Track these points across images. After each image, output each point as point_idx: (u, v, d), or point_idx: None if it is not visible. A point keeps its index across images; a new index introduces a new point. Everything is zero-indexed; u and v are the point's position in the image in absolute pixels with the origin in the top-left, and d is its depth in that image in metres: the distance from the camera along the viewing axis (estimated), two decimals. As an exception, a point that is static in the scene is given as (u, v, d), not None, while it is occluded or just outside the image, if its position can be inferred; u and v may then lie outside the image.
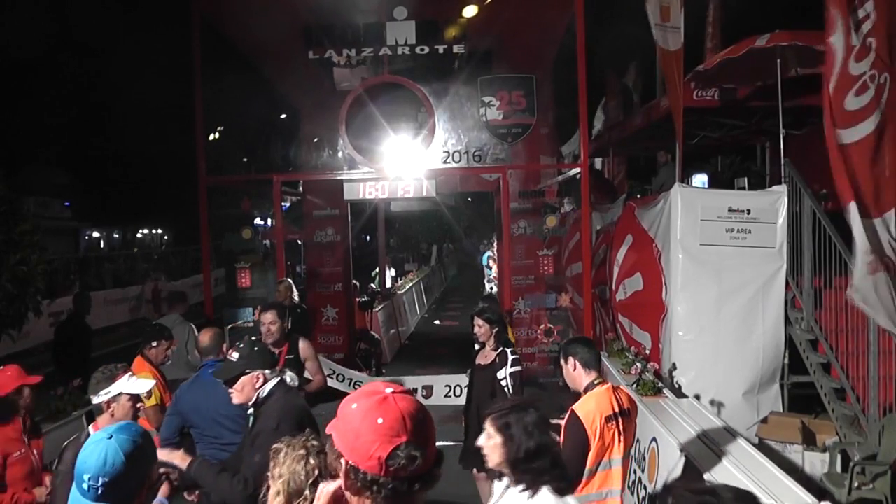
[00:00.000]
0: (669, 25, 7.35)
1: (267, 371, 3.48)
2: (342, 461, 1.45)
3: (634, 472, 5.30)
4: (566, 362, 3.78)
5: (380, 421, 1.45)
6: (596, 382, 3.69)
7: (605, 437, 3.52)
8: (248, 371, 3.44)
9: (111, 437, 2.01)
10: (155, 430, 4.75)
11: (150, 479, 2.14)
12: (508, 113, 8.67)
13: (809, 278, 6.46)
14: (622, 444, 3.58)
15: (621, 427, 3.57)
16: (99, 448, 1.98)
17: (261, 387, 3.45)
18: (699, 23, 9.60)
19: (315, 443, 2.35)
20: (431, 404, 6.58)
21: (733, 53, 7.00)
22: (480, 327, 5.40)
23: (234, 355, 3.49)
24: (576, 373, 3.73)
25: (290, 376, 3.75)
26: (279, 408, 3.37)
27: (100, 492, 1.95)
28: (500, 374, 5.24)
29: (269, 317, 5.45)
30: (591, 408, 3.55)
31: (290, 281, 8.53)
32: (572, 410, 3.58)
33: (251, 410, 3.50)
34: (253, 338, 3.77)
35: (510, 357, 5.29)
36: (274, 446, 2.43)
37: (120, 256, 27.87)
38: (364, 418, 1.46)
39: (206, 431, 4.22)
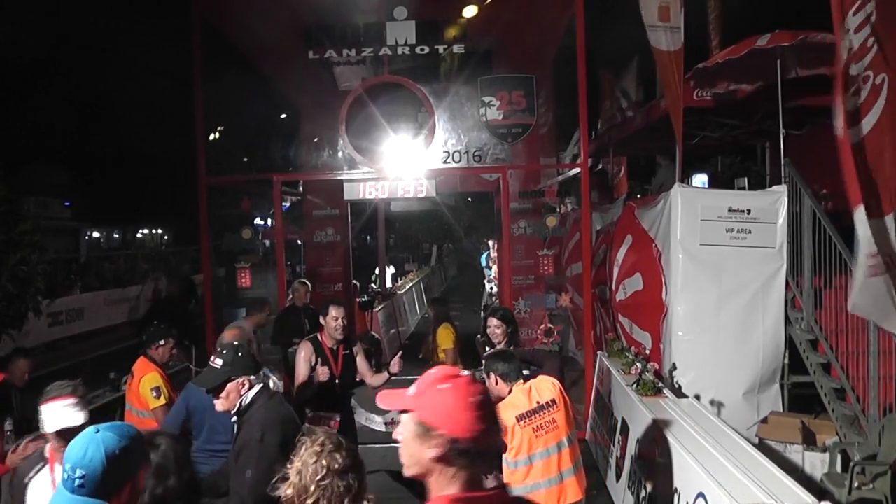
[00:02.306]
0: (669, 25, 7.34)
1: (252, 376, 3.38)
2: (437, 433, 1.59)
3: (635, 472, 5.30)
4: (488, 378, 4.09)
5: (473, 398, 1.64)
6: (515, 389, 4.01)
7: (520, 437, 3.85)
8: (233, 378, 3.35)
9: (98, 431, 2.04)
10: None
11: (138, 483, 2.11)
12: (508, 113, 8.66)
13: (809, 278, 6.46)
14: (545, 437, 3.86)
15: (542, 420, 3.87)
16: (83, 441, 2.02)
17: (245, 392, 3.36)
18: (701, 21, 9.59)
19: (330, 444, 2.30)
20: None
21: (734, 53, 7.00)
22: (497, 328, 5.26)
23: (218, 362, 3.38)
24: (497, 387, 4.05)
25: (273, 381, 3.66)
26: (262, 417, 3.27)
27: (76, 483, 1.96)
28: None
29: (340, 312, 5.20)
30: (504, 415, 3.81)
31: (308, 283, 8.61)
32: None
33: (234, 419, 3.40)
34: (235, 342, 3.71)
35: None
36: (302, 437, 2.36)
37: (120, 256, 27.82)
38: (459, 396, 1.63)
39: (205, 434, 4.22)
